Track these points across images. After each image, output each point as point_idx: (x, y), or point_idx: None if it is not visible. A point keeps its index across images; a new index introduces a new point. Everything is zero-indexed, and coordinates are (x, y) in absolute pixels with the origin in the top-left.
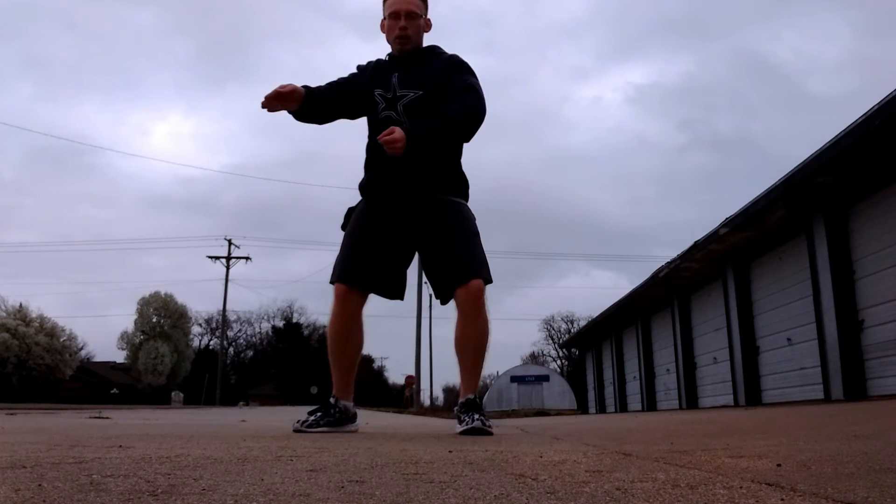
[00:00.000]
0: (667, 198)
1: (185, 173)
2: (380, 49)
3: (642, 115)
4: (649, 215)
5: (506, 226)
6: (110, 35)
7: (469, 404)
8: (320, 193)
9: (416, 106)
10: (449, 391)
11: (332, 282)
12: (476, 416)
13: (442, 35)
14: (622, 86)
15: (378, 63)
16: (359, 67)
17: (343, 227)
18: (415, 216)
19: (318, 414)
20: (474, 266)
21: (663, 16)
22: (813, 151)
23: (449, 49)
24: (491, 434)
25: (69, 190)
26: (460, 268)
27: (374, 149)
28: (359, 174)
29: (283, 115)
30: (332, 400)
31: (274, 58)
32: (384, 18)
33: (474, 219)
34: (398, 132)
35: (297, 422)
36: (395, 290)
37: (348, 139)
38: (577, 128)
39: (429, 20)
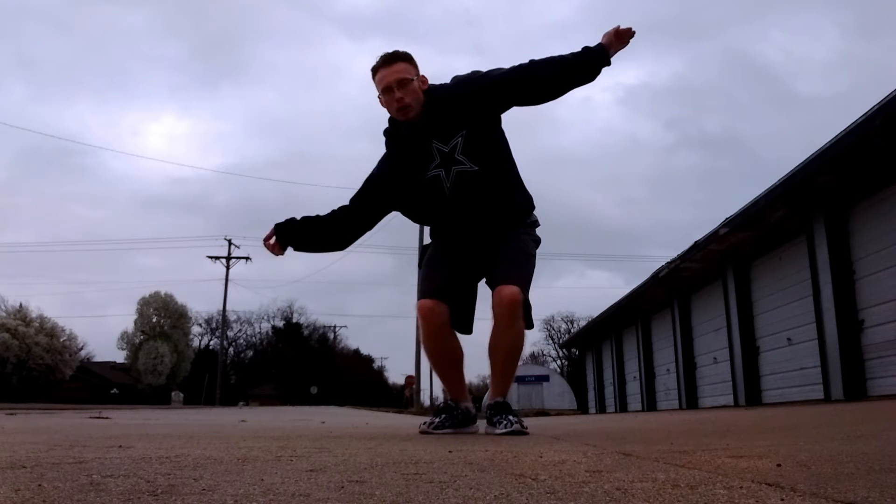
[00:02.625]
0: (658, 198)
1: (178, 174)
2: (371, 49)
3: (633, 116)
4: (642, 215)
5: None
6: (102, 36)
7: (499, 406)
8: (314, 194)
9: (469, 145)
10: None
11: (419, 298)
12: (511, 419)
13: (429, 36)
14: (612, 86)
15: (402, 139)
16: (385, 159)
17: (419, 265)
18: (485, 245)
19: (444, 416)
20: (515, 277)
21: (651, 17)
22: (810, 151)
23: (438, 51)
24: (528, 434)
25: (62, 190)
26: (500, 274)
27: (445, 216)
28: (355, 174)
29: (278, 116)
30: (451, 403)
31: (265, 58)
32: (379, 95)
33: (536, 244)
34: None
35: (424, 423)
36: (466, 322)
37: (342, 140)
38: (569, 128)
39: (423, 77)
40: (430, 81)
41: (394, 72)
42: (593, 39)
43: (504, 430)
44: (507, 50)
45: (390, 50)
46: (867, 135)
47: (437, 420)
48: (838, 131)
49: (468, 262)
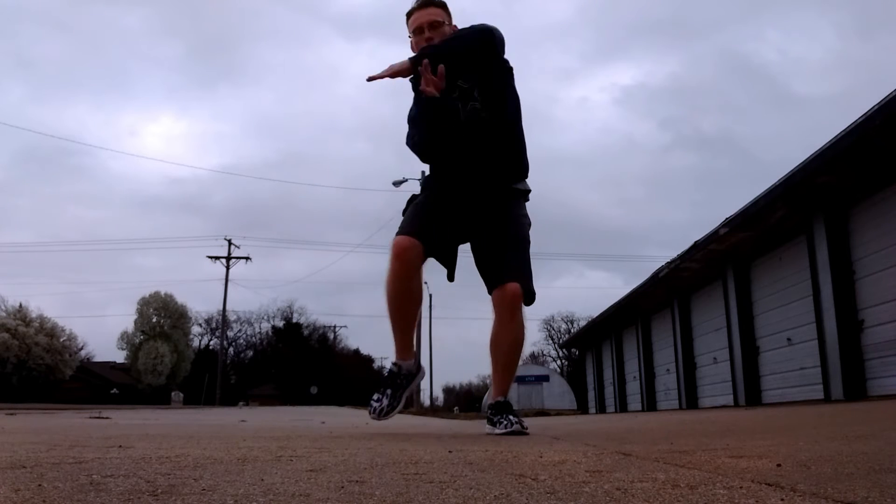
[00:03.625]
0: (656, 198)
1: (176, 174)
2: (368, 50)
3: (629, 116)
4: (639, 215)
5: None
6: (100, 37)
7: (500, 406)
8: (311, 194)
9: (482, 93)
10: (449, 391)
11: (396, 235)
12: (512, 419)
13: None
14: (608, 87)
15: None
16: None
17: (404, 213)
18: (479, 205)
19: (389, 392)
20: (516, 272)
21: (646, 17)
22: (806, 152)
23: None
24: (528, 434)
25: (61, 190)
26: (502, 270)
27: (442, 144)
28: (352, 174)
29: (275, 116)
30: (394, 368)
31: (263, 59)
32: (410, 37)
33: (529, 223)
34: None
35: (373, 409)
36: (449, 261)
37: (339, 140)
38: (566, 129)
39: (455, 26)
40: None
41: (427, 14)
42: (589, 39)
43: (504, 431)
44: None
45: (389, 49)
46: (867, 135)
47: (386, 399)
48: (834, 131)
49: (457, 218)
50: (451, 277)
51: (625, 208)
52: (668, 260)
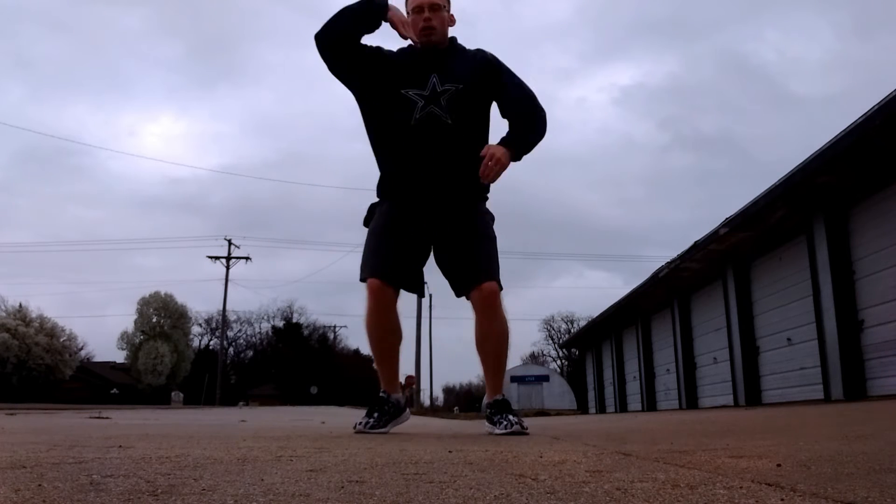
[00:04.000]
0: (655, 198)
1: (175, 174)
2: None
3: (628, 116)
4: (638, 215)
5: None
6: (99, 37)
7: (500, 405)
8: (311, 194)
9: (457, 100)
10: (449, 391)
11: (363, 278)
12: (512, 419)
13: None
14: (607, 87)
15: (406, 57)
16: (382, 52)
17: (365, 223)
18: (438, 216)
19: (377, 414)
20: (488, 272)
21: (645, 17)
22: (804, 152)
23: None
24: (528, 434)
25: (60, 190)
26: (475, 270)
27: (401, 150)
28: (352, 175)
29: (275, 116)
30: (383, 395)
31: (262, 59)
32: (408, 11)
33: (492, 221)
34: (499, 152)
35: (360, 423)
36: (418, 286)
37: (338, 140)
38: (566, 129)
39: (452, 15)
40: None
41: None
42: (587, 39)
43: (504, 431)
44: (501, 50)
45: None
46: (867, 135)
47: (372, 420)
48: (833, 131)
49: (419, 234)
50: (421, 295)
51: (624, 208)
52: (668, 260)
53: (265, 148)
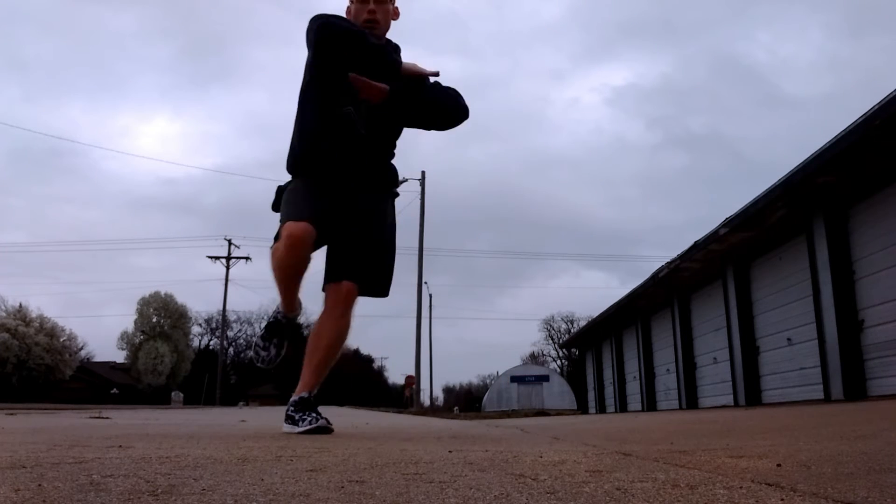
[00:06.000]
0: (649, 198)
1: (169, 174)
2: None
3: (621, 117)
4: (633, 216)
5: (490, 225)
6: (93, 37)
7: (304, 402)
8: None
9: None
10: (449, 391)
11: (284, 220)
12: (316, 416)
13: (415, 36)
14: (599, 87)
15: None
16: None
17: (274, 207)
18: (347, 200)
19: (276, 341)
20: (361, 275)
21: (637, 18)
22: (796, 151)
23: (427, 52)
24: (332, 432)
25: (54, 190)
26: (347, 268)
27: (329, 132)
28: None
29: (268, 116)
30: (282, 319)
31: (255, 59)
32: (350, 2)
33: (394, 220)
34: (381, 86)
35: (261, 361)
36: (319, 247)
37: None
38: (559, 130)
39: (397, 8)
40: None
41: None
42: (579, 40)
43: (307, 427)
44: (493, 52)
45: None
46: (867, 135)
47: (274, 350)
48: (824, 131)
49: (328, 210)
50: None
51: (618, 208)
52: (668, 260)
53: (259, 148)
